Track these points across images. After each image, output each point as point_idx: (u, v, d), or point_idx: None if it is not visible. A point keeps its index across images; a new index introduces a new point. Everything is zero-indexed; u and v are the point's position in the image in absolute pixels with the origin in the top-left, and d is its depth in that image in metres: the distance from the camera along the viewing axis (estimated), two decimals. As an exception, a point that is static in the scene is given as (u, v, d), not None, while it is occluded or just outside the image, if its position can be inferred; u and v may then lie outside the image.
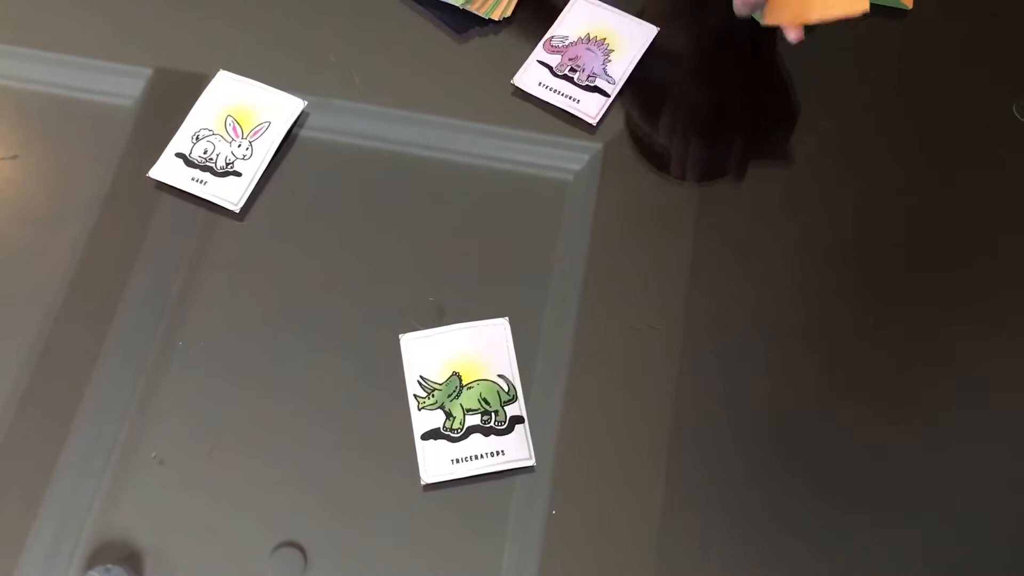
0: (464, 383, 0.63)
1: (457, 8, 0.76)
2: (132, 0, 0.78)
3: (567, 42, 0.75)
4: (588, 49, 0.75)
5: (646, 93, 0.74)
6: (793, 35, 0.64)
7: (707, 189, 0.72)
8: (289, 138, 0.71)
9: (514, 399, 0.62)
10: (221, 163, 0.70)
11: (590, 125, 0.72)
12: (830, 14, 0.63)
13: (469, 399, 0.62)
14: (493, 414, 0.62)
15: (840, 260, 0.69)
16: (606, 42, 0.75)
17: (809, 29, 0.67)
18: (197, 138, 0.70)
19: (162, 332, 0.65)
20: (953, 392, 0.65)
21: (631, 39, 0.75)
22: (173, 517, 0.59)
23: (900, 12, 0.77)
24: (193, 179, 0.69)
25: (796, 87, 0.76)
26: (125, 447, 0.61)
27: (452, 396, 0.62)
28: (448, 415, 0.62)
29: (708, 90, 0.76)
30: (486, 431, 0.61)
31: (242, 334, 0.65)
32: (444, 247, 0.68)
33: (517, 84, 0.73)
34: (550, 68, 0.74)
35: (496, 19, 0.76)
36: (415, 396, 0.62)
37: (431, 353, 0.64)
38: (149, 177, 0.69)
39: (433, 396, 0.62)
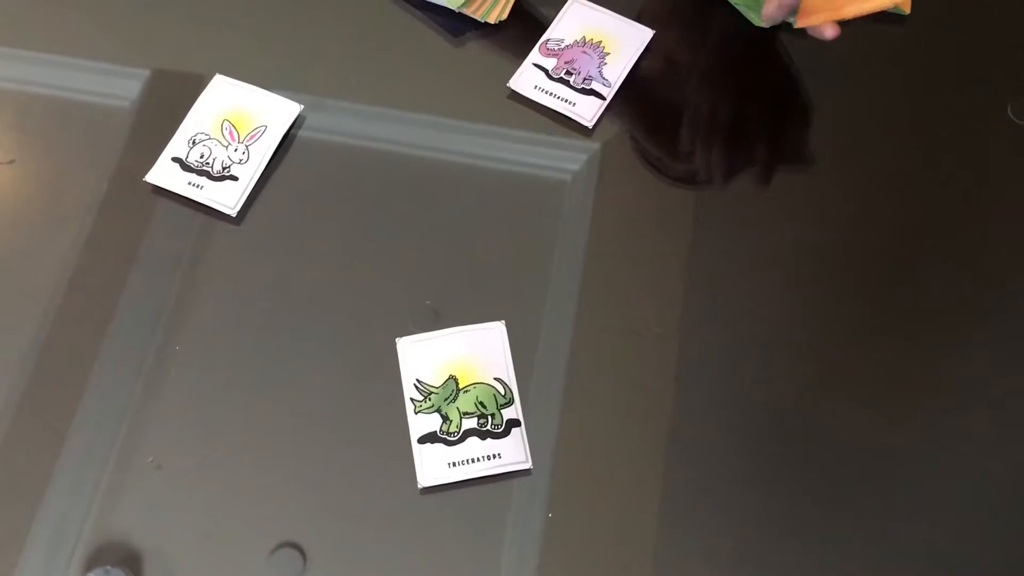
0: (461, 386, 0.63)
1: (453, 11, 0.76)
2: (129, 1, 0.78)
3: (563, 45, 0.75)
4: (584, 52, 0.75)
5: (642, 96, 0.74)
6: (830, 32, 0.63)
7: (705, 190, 0.72)
8: (285, 142, 0.71)
9: (511, 402, 0.63)
10: (217, 167, 0.70)
11: (586, 128, 0.72)
12: (864, 8, 0.62)
13: (466, 402, 0.62)
14: (490, 417, 0.62)
15: (838, 261, 0.69)
16: (602, 45, 0.75)
17: (842, 25, 0.66)
18: (193, 142, 0.70)
19: (159, 336, 0.65)
20: (952, 392, 0.65)
21: (627, 42, 0.75)
22: (172, 519, 0.60)
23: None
24: (190, 183, 0.69)
25: (794, 89, 0.76)
26: (123, 450, 0.61)
27: (449, 400, 0.62)
28: (445, 419, 0.62)
29: (705, 92, 0.76)
30: (483, 434, 0.61)
31: (239, 338, 0.65)
32: (441, 250, 0.68)
33: (513, 87, 0.73)
34: (546, 71, 0.74)
35: (492, 22, 0.76)
36: (411, 400, 0.62)
37: (427, 357, 0.64)
38: (146, 181, 0.69)
39: (430, 400, 0.62)
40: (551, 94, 0.73)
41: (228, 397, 0.63)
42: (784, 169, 0.73)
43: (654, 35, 0.76)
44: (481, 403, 0.62)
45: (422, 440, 0.61)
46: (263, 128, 0.71)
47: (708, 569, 0.60)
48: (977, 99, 0.75)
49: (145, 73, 0.74)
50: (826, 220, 0.71)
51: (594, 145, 0.72)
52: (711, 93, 0.76)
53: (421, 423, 0.62)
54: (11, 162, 0.71)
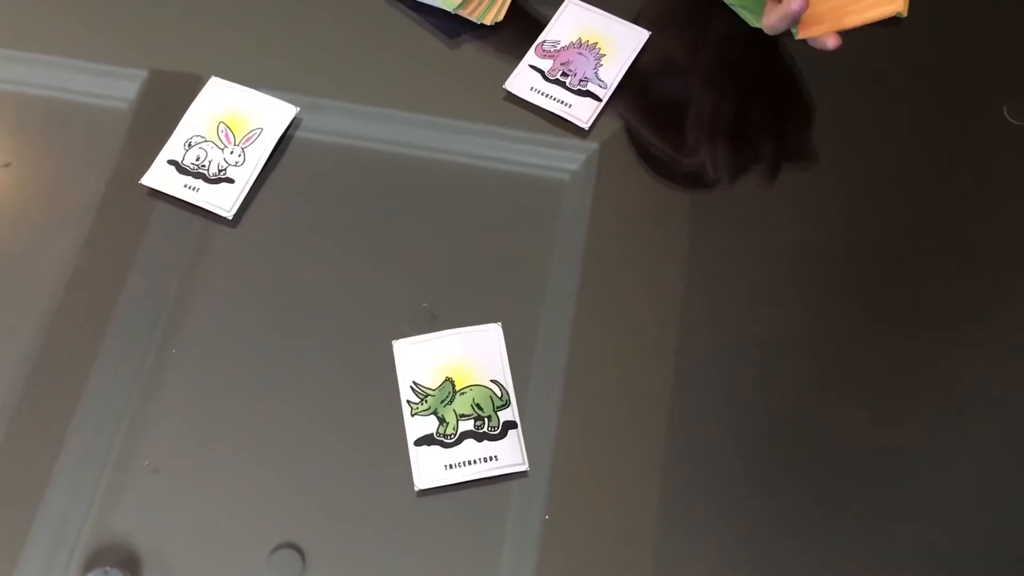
0: (457, 389, 0.63)
1: (449, 13, 0.76)
2: (125, 2, 0.78)
3: (559, 46, 0.75)
4: (580, 53, 0.75)
5: (638, 97, 0.74)
6: (832, 43, 0.63)
7: (704, 190, 0.72)
8: (282, 143, 0.71)
9: (507, 404, 0.62)
10: (213, 170, 0.70)
11: (582, 130, 0.72)
12: (866, 17, 0.62)
13: (462, 405, 0.62)
14: (486, 419, 0.62)
15: (836, 261, 0.69)
16: (598, 46, 0.75)
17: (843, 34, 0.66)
18: (189, 145, 0.70)
19: (157, 338, 0.65)
20: (952, 392, 0.65)
21: (623, 43, 0.75)
22: (171, 520, 0.60)
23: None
24: (186, 186, 0.69)
25: (791, 90, 0.76)
26: (122, 451, 0.61)
27: (445, 402, 0.62)
28: (441, 421, 0.62)
29: (701, 93, 0.76)
30: (479, 436, 0.61)
31: (236, 340, 0.65)
32: (438, 251, 0.68)
33: (509, 89, 0.73)
34: (542, 73, 0.74)
35: (488, 23, 0.76)
36: (408, 402, 0.62)
37: (424, 359, 0.64)
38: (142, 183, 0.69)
39: (426, 402, 0.62)
40: (547, 96, 0.73)
41: (226, 398, 0.63)
42: (782, 169, 0.72)
43: (650, 36, 0.76)
44: (478, 405, 0.62)
45: (419, 442, 0.61)
46: (259, 130, 0.71)
47: (708, 569, 0.60)
48: (973, 99, 0.75)
49: (143, 74, 0.74)
50: (823, 220, 0.71)
51: (592, 145, 0.72)
52: (709, 94, 0.76)
53: (418, 425, 0.62)
54: (7, 165, 0.71)
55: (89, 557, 0.58)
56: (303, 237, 0.69)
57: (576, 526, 0.60)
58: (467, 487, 0.60)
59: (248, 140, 0.71)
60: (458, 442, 0.61)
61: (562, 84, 0.73)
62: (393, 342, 0.64)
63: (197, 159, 0.70)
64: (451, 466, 0.60)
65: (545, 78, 0.74)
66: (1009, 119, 0.74)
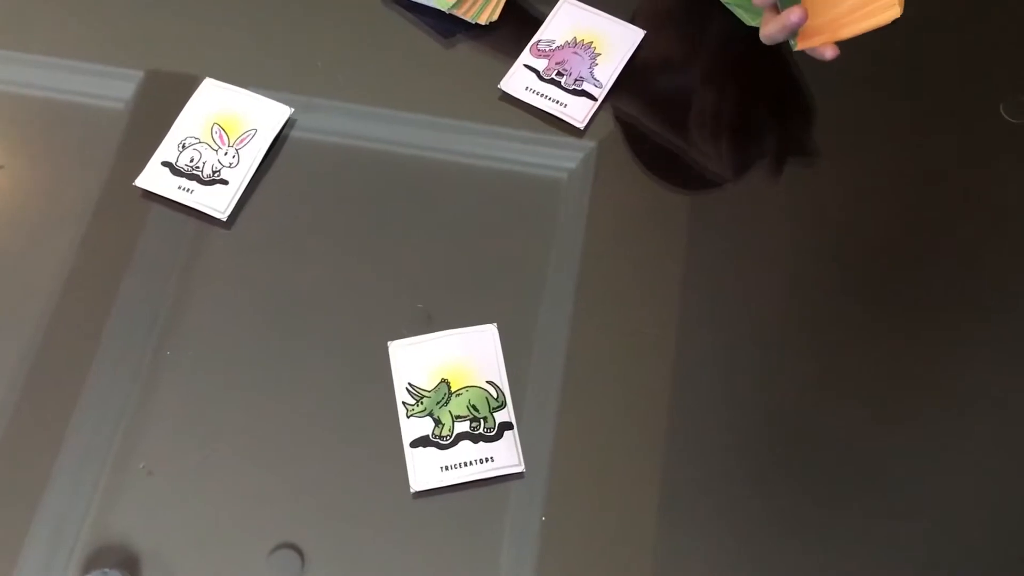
0: (453, 390, 0.62)
1: (443, 12, 0.75)
2: (121, 2, 0.78)
3: (554, 46, 0.75)
4: (575, 53, 0.74)
5: (634, 96, 0.74)
6: (830, 53, 0.64)
7: (701, 190, 0.71)
8: (277, 144, 0.71)
9: (503, 405, 0.62)
10: (208, 171, 0.69)
11: (577, 129, 0.72)
12: (863, 27, 0.63)
13: (458, 406, 0.62)
14: (482, 420, 0.61)
15: (834, 260, 0.69)
16: (593, 46, 0.75)
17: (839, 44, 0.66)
18: (183, 146, 0.70)
19: (154, 339, 0.64)
20: (952, 392, 0.64)
21: (618, 42, 0.75)
22: (170, 521, 0.60)
23: None
24: (180, 188, 0.69)
25: (789, 90, 0.75)
26: (121, 452, 0.61)
27: (441, 403, 0.62)
28: (437, 422, 0.61)
29: (697, 93, 0.75)
30: (475, 438, 0.61)
31: (231, 342, 0.65)
32: (435, 251, 0.68)
33: (504, 89, 0.73)
34: (537, 72, 0.74)
35: (483, 23, 0.75)
36: (404, 404, 0.62)
37: (420, 360, 0.63)
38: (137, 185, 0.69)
39: (422, 403, 0.62)
40: (542, 95, 0.73)
41: (223, 399, 0.63)
42: (781, 168, 0.72)
43: (645, 35, 0.75)
44: (473, 406, 0.62)
45: (414, 444, 0.61)
46: (253, 131, 0.71)
47: (707, 569, 0.59)
48: (972, 98, 0.75)
49: (139, 74, 0.74)
50: (821, 219, 0.70)
51: (590, 143, 0.72)
52: (706, 94, 0.75)
53: (413, 427, 0.61)
54: (0, 167, 0.71)
55: (88, 558, 0.58)
56: (298, 238, 0.68)
57: (575, 527, 0.60)
58: (465, 488, 0.60)
59: (242, 141, 0.70)
60: (454, 443, 0.61)
61: (557, 84, 0.73)
62: (388, 343, 0.64)
63: (191, 160, 0.70)
64: (447, 468, 0.60)
65: (540, 78, 0.73)
66: (1006, 118, 0.74)
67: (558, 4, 0.77)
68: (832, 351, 0.65)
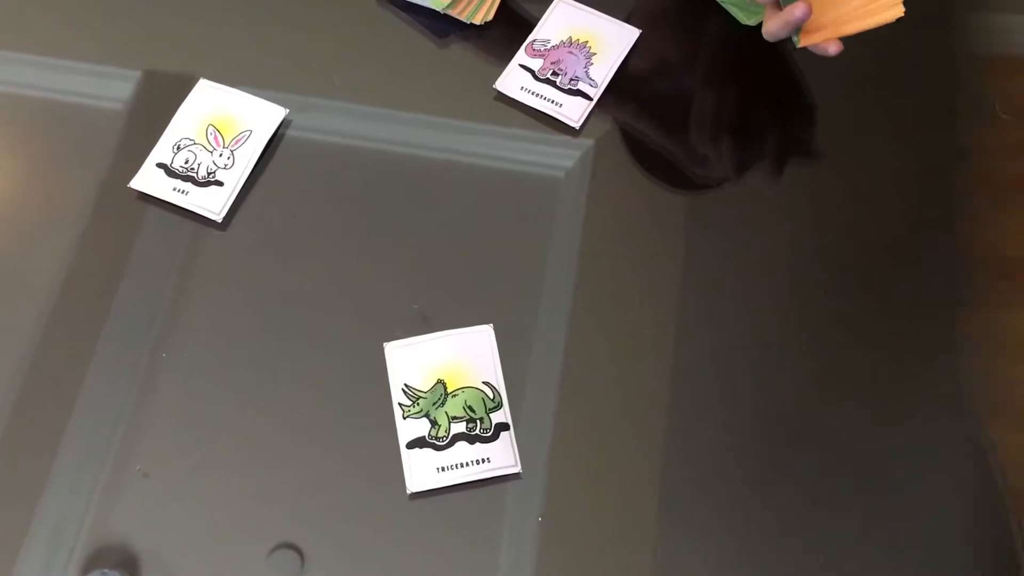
0: (449, 391, 0.62)
1: (438, 12, 0.75)
2: (119, 3, 0.78)
3: (549, 46, 0.74)
4: (570, 52, 0.74)
5: (629, 96, 0.74)
6: (834, 49, 0.64)
7: (699, 189, 0.71)
8: (272, 144, 0.71)
9: (499, 406, 0.62)
10: (203, 173, 0.69)
11: (573, 129, 0.72)
12: (866, 24, 0.63)
13: (454, 407, 0.61)
14: (478, 421, 0.61)
15: (834, 260, 0.69)
16: (588, 45, 0.75)
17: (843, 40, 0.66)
18: (178, 148, 0.70)
19: (152, 340, 0.64)
20: (950, 392, 0.64)
21: (613, 42, 0.75)
22: (169, 521, 0.59)
23: None
24: (175, 189, 0.69)
25: (787, 89, 0.75)
26: (120, 453, 0.61)
27: (437, 404, 0.62)
28: (433, 423, 0.61)
29: (694, 92, 0.75)
30: (471, 439, 0.61)
31: (228, 343, 0.64)
32: (432, 251, 0.68)
33: (499, 88, 0.73)
34: (532, 72, 0.73)
35: (477, 23, 0.75)
36: (400, 405, 0.62)
37: (416, 361, 0.63)
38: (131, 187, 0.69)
39: (418, 404, 0.62)
40: (537, 95, 0.72)
41: (221, 400, 0.63)
42: (780, 168, 0.72)
43: (640, 35, 0.75)
44: (470, 407, 0.61)
45: (410, 445, 0.60)
46: (248, 132, 0.71)
47: (707, 569, 0.59)
48: (967, 96, 0.75)
49: (137, 75, 0.74)
50: (819, 219, 0.70)
51: (587, 142, 0.72)
52: (702, 93, 0.75)
53: (409, 428, 0.61)
54: (-4, 169, 0.71)
55: (88, 559, 0.58)
56: (293, 238, 0.68)
57: (574, 527, 0.59)
58: (463, 488, 0.60)
59: (237, 142, 0.70)
60: (450, 444, 0.60)
61: (552, 83, 0.73)
62: (384, 344, 0.63)
63: (186, 162, 0.69)
64: (443, 468, 0.60)
65: (535, 77, 0.73)
66: (1002, 115, 0.74)
67: (553, 4, 0.76)
68: (832, 351, 0.65)
